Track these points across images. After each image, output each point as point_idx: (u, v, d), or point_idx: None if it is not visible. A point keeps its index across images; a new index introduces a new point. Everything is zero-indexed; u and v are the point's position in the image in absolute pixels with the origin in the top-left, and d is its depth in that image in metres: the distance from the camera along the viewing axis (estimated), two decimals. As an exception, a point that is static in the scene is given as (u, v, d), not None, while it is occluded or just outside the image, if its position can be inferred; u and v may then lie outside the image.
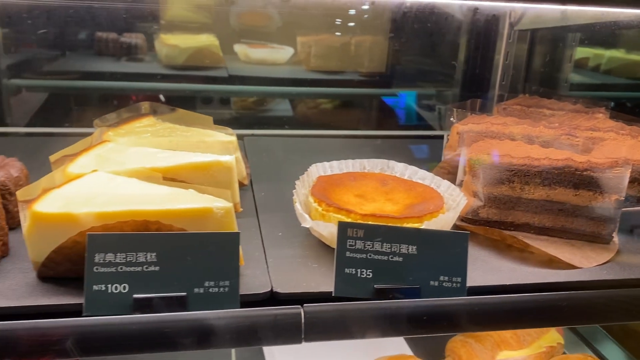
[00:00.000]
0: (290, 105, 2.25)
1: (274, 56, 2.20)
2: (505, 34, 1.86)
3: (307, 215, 0.92)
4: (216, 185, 0.95)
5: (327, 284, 0.82)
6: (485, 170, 1.01)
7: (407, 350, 1.47)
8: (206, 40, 2.10)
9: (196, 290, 0.75)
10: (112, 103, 2.01)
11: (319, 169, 1.08)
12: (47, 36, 1.96)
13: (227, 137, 1.12)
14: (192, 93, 2.07)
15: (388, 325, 0.80)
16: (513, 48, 1.88)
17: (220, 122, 1.22)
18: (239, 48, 2.12)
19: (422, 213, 0.91)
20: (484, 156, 1.02)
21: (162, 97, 2.02)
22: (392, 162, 1.12)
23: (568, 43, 1.91)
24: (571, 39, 1.91)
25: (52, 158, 0.95)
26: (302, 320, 0.76)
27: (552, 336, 1.46)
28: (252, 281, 0.81)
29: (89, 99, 2.11)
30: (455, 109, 1.31)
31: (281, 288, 0.80)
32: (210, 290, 0.75)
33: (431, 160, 1.61)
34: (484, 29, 1.93)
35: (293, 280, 0.83)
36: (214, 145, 1.09)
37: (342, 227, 0.80)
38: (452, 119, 1.29)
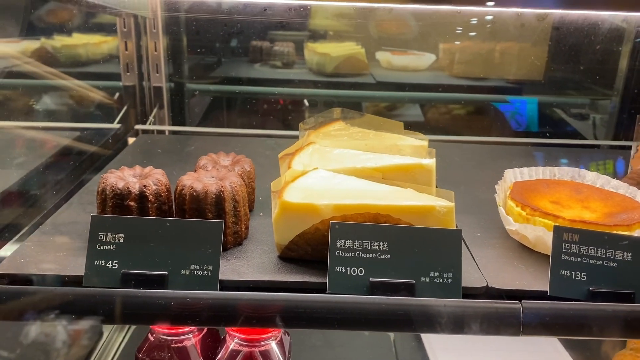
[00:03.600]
0: (420, 110, 2.30)
1: (415, 63, 2.25)
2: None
3: (511, 219, 0.97)
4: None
5: (537, 284, 0.86)
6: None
7: (567, 358, 1.45)
8: (353, 48, 2.21)
9: (423, 279, 0.83)
10: (262, 107, 2.18)
11: (511, 175, 1.12)
12: (213, 44, 2.18)
13: (418, 141, 1.20)
14: (338, 99, 2.18)
15: (602, 326, 0.82)
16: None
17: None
18: (382, 55, 2.20)
19: (630, 222, 0.92)
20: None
21: (306, 101, 2.16)
22: (583, 171, 1.14)
23: None
24: None
25: (280, 155, 1.09)
26: (521, 315, 0.81)
27: None
28: (467, 276, 0.87)
29: (245, 103, 2.31)
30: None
31: (496, 284, 0.86)
32: (435, 280, 0.83)
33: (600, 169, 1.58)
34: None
35: (504, 278, 0.88)
36: (406, 149, 1.17)
37: (559, 231, 0.84)
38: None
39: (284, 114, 2.15)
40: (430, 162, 1.05)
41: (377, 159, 1.08)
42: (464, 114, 2.30)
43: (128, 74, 1.69)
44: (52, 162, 1.36)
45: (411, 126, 2.28)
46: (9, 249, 0.96)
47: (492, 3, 0.83)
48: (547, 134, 2.08)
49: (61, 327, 1.34)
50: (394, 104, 2.34)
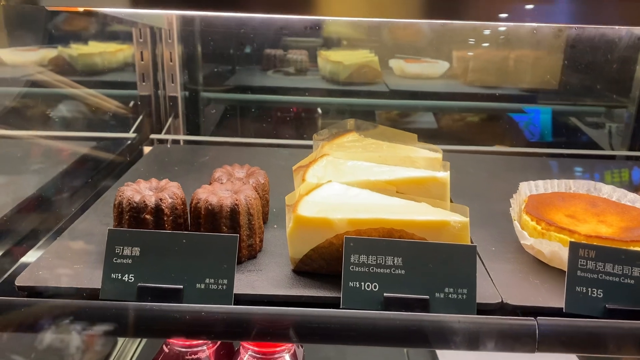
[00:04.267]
0: (434, 117, 2.29)
1: (429, 70, 2.25)
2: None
3: (526, 233, 0.96)
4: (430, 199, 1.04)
5: (553, 300, 0.86)
6: None
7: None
8: (366, 56, 2.21)
9: (437, 294, 0.83)
10: (275, 115, 2.19)
11: (526, 188, 1.12)
12: (227, 53, 2.19)
13: (432, 153, 1.19)
14: (351, 107, 2.19)
15: (619, 344, 0.82)
16: None
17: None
18: (395, 63, 2.20)
19: (647, 237, 0.91)
20: None
21: (319, 110, 2.17)
22: (599, 184, 1.13)
23: None
24: None
25: (294, 167, 1.09)
26: (537, 332, 0.80)
27: None
28: (481, 292, 0.87)
29: (258, 111, 2.32)
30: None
31: (511, 300, 0.85)
32: (450, 296, 0.82)
33: (617, 182, 1.57)
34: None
35: (519, 294, 0.87)
36: (420, 161, 1.17)
37: (574, 247, 0.84)
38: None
39: (297, 123, 2.16)
40: (445, 175, 1.05)
41: (391, 172, 1.08)
42: (477, 123, 2.29)
43: (144, 83, 1.70)
44: (69, 170, 1.38)
45: (424, 134, 2.27)
46: (30, 257, 0.97)
47: (504, 15, 0.82)
48: (562, 144, 2.07)
49: (76, 335, 1.36)
50: (408, 112, 2.33)
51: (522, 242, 0.97)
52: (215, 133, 2.24)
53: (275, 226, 1.09)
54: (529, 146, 2.09)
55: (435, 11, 0.85)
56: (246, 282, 0.88)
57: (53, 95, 1.91)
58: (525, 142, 2.16)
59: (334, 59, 2.14)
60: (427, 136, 2.33)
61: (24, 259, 0.98)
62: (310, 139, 2.12)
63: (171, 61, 1.71)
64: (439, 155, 1.19)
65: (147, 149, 1.57)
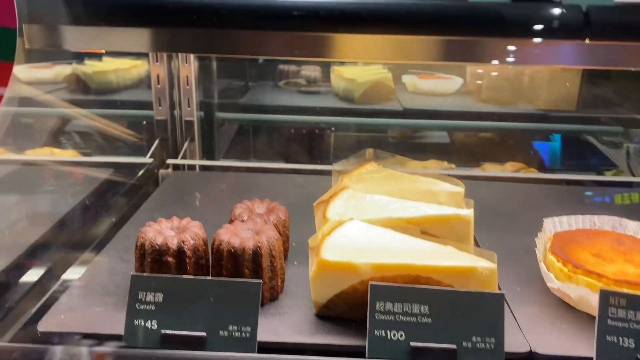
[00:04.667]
0: (448, 136, 2.27)
1: (442, 87, 2.23)
2: None
3: (552, 275, 0.95)
4: (453, 237, 1.02)
5: (582, 347, 0.84)
6: None
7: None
8: (380, 72, 2.20)
9: (465, 344, 0.81)
10: (289, 134, 2.19)
11: (550, 225, 1.10)
12: (239, 73, 2.20)
13: (454, 187, 1.18)
14: (365, 126, 2.18)
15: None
16: None
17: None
18: (408, 79, 2.18)
19: (679, 282, 0.89)
20: None
21: (332, 129, 2.16)
22: (625, 220, 1.11)
23: None
24: None
25: (315, 204, 1.08)
26: (568, 384, 0.79)
27: None
28: (509, 339, 0.85)
29: (272, 130, 2.32)
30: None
31: (539, 349, 0.84)
32: (478, 345, 0.81)
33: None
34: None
35: (547, 341, 0.86)
36: (442, 195, 1.16)
37: (604, 295, 0.82)
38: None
39: (311, 143, 2.15)
40: (469, 213, 1.04)
41: (413, 209, 1.06)
42: (492, 142, 2.27)
43: (160, 107, 1.70)
44: (88, 199, 1.37)
45: (437, 150, 2.25)
46: (51, 296, 0.97)
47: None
48: (580, 166, 2.05)
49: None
50: (421, 130, 2.32)
51: (548, 284, 0.95)
52: (229, 151, 2.24)
53: (295, 263, 1.08)
54: (548, 168, 2.07)
55: (452, 55, 0.84)
56: (269, 327, 0.87)
57: (67, 117, 1.92)
58: (541, 162, 2.14)
59: (347, 76, 2.12)
60: (440, 152, 2.32)
61: (47, 297, 0.97)
62: (324, 160, 2.12)
63: (187, 85, 1.71)
64: (461, 190, 1.17)
65: (162, 171, 1.57)
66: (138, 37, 0.82)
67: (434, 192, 1.18)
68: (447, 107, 2.13)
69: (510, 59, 0.83)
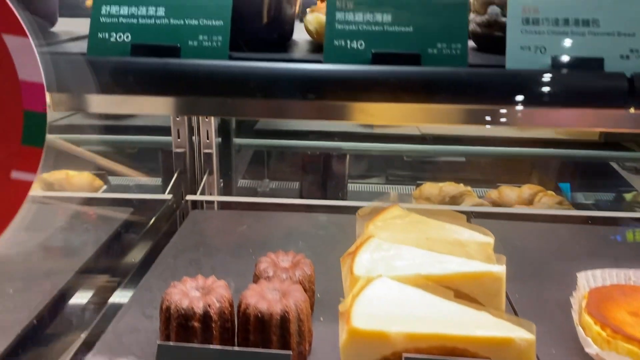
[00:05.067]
0: (465, 161, 2.24)
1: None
2: None
3: (590, 340, 0.91)
4: (484, 294, 0.99)
5: (626, 423, 0.81)
6: None
7: None
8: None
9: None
10: (306, 160, 2.17)
11: (584, 280, 1.06)
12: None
13: (484, 237, 1.14)
14: (382, 152, 2.16)
15: None
16: None
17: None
18: None
19: None
20: None
21: (349, 155, 2.14)
22: (661, 274, 1.07)
23: None
24: None
25: (341, 258, 1.06)
26: None
27: None
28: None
29: (287, 156, 2.30)
30: None
31: None
32: (516, 422, 0.78)
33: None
34: None
35: (588, 414, 0.82)
36: (471, 246, 1.12)
37: (649, 369, 0.78)
38: None
39: (327, 169, 2.13)
40: (501, 270, 1.00)
41: (443, 264, 1.03)
42: (509, 164, 2.24)
43: (179, 139, 1.69)
44: (107, 243, 1.36)
45: (452, 169, 2.21)
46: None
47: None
48: (604, 199, 2.01)
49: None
50: (440, 156, 2.29)
51: (586, 350, 0.92)
52: (247, 176, 2.22)
53: (321, 319, 1.05)
54: (560, 190, 2.02)
55: (496, 121, 0.81)
56: (298, 397, 0.85)
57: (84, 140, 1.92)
58: (556, 185, 2.09)
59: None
60: (455, 171, 2.28)
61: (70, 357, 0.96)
62: (343, 186, 2.09)
63: (207, 118, 1.69)
64: (491, 241, 1.14)
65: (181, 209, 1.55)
66: (160, 104, 0.82)
67: (462, 242, 1.15)
68: (465, 132, 2.12)
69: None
